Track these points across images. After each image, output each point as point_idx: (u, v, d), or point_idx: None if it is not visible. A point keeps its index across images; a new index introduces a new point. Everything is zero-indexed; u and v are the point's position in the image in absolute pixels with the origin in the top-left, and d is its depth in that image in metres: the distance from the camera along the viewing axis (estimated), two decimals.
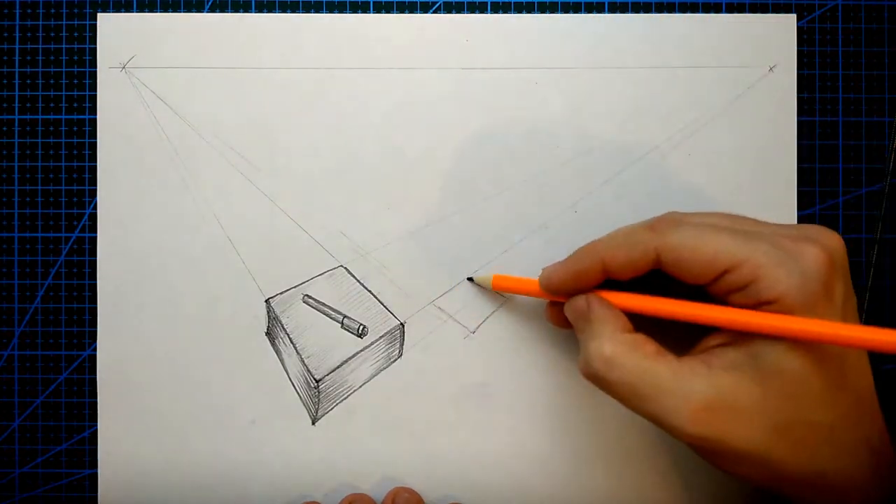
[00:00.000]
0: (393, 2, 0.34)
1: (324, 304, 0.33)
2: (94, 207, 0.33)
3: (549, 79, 0.33)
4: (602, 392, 0.33)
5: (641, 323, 0.27)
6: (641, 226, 0.26)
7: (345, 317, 0.33)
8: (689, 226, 0.25)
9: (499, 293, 0.33)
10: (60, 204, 0.34)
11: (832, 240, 0.25)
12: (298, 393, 0.33)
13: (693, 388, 0.24)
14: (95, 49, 0.33)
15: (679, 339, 0.27)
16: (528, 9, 0.34)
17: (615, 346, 0.26)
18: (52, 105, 0.34)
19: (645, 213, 0.33)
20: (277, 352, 0.33)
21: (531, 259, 0.33)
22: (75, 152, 0.33)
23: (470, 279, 0.33)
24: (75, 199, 0.34)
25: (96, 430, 0.33)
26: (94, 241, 0.33)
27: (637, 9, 0.34)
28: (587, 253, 0.27)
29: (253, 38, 0.33)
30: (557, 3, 0.34)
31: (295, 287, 0.33)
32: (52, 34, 0.34)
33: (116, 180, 0.33)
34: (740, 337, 0.25)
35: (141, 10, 0.34)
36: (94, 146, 0.33)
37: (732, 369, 0.24)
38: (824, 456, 0.25)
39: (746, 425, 0.24)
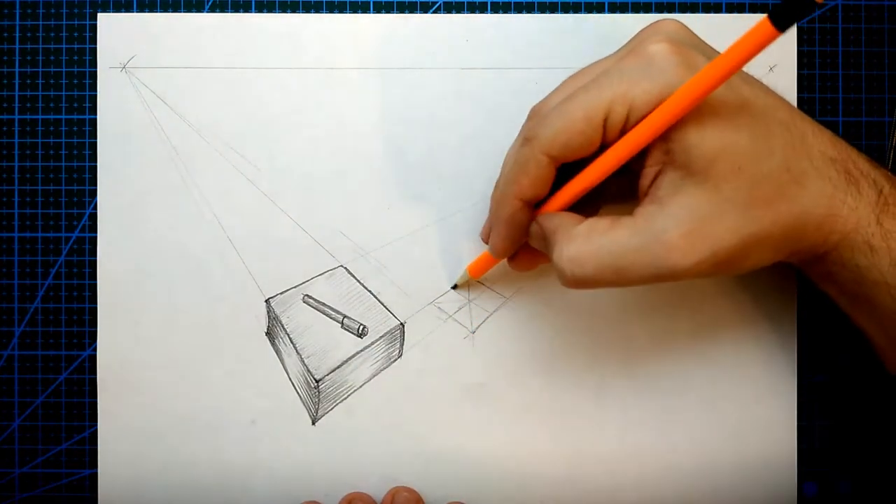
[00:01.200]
0: (393, 2, 0.34)
1: (324, 304, 0.33)
2: (94, 207, 0.33)
3: (549, 79, 0.33)
4: (602, 392, 0.34)
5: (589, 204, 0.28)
6: (518, 145, 0.27)
7: (345, 317, 0.33)
8: (550, 112, 0.26)
9: (490, 285, 0.33)
10: (60, 204, 0.34)
11: (663, 26, 0.26)
12: (298, 393, 0.33)
13: (659, 231, 0.24)
14: (95, 49, 0.33)
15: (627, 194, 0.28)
16: (528, 9, 0.34)
17: (573, 244, 0.25)
18: (52, 105, 0.34)
19: None
20: (277, 352, 0.33)
21: None
22: (75, 152, 0.33)
23: (454, 287, 0.33)
24: (75, 199, 0.34)
25: (96, 430, 0.33)
26: (94, 241, 0.33)
27: (637, 9, 0.34)
28: (501, 202, 0.28)
29: (253, 38, 0.33)
30: (557, 3, 0.34)
31: (295, 287, 0.33)
32: (52, 34, 0.34)
33: (116, 180, 0.33)
34: (664, 163, 0.25)
35: (141, 10, 0.34)
36: (94, 146, 0.33)
37: (677, 191, 0.25)
38: (796, 196, 0.25)
39: (723, 224, 0.24)
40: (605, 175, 0.26)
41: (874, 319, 0.27)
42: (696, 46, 0.25)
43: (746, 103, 0.25)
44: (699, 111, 0.24)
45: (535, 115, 0.27)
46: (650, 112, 0.24)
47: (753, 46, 0.22)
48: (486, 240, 0.31)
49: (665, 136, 0.24)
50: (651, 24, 0.26)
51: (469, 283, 0.33)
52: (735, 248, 0.25)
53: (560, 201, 0.27)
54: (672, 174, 0.25)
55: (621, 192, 0.28)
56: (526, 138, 0.26)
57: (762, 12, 0.34)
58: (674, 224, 0.24)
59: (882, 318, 0.27)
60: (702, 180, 0.24)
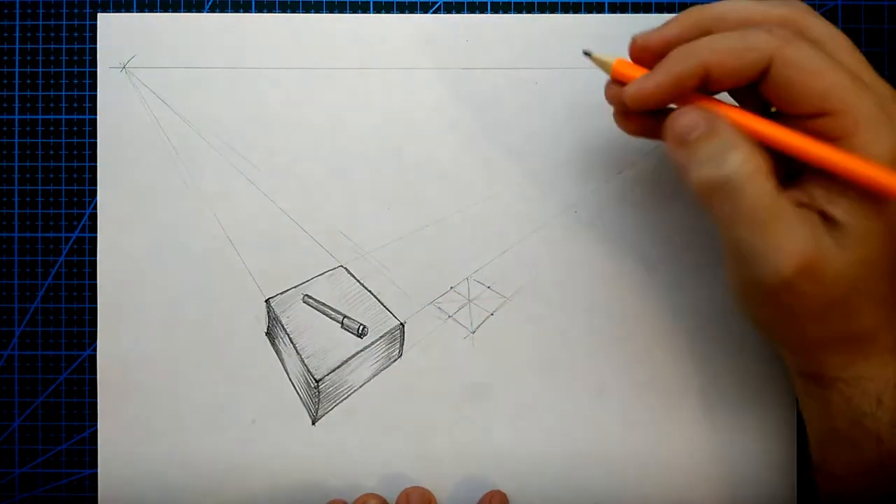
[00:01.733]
0: (393, 2, 0.34)
1: (324, 304, 0.33)
2: (94, 207, 0.33)
3: (549, 79, 0.33)
4: (601, 392, 0.34)
5: None
6: (758, 30, 0.24)
7: (345, 317, 0.33)
8: (810, 47, 0.23)
9: None
10: (60, 204, 0.34)
11: None
12: (298, 393, 0.33)
13: (802, 236, 0.23)
14: (95, 49, 0.33)
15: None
16: (528, 9, 0.34)
17: (755, 160, 0.23)
18: (52, 105, 0.34)
19: (646, 213, 0.33)
20: (277, 352, 0.33)
21: (531, 259, 0.33)
22: (75, 152, 0.33)
23: (587, 53, 0.28)
24: (75, 199, 0.34)
25: (96, 430, 0.33)
26: (94, 241, 0.33)
27: (637, 9, 0.34)
28: (687, 56, 0.24)
29: (253, 38, 0.33)
30: (557, 3, 0.34)
31: (295, 287, 0.33)
32: (52, 34, 0.34)
33: (116, 180, 0.33)
34: (844, 191, 0.24)
35: (141, 10, 0.34)
36: (94, 146, 0.33)
37: (833, 228, 0.23)
38: (870, 320, 0.25)
39: (838, 282, 0.23)
40: (799, 156, 0.24)
41: (842, 452, 0.27)
42: None
43: None
44: None
45: (794, 22, 0.24)
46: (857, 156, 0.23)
47: None
48: (636, 95, 0.26)
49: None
50: None
51: (599, 62, 0.27)
52: (822, 309, 0.24)
53: (747, 125, 0.24)
54: (838, 211, 0.24)
55: None
56: (772, 34, 0.23)
57: None
58: (811, 249, 0.23)
59: (851, 457, 0.26)
60: (844, 247, 0.23)
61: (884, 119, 0.23)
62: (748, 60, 0.23)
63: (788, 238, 0.23)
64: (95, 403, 0.33)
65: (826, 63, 0.23)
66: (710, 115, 0.24)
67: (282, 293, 0.33)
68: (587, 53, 0.27)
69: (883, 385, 0.25)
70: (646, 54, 0.26)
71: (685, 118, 0.25)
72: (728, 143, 0.23)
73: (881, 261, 0.24)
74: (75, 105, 0.33)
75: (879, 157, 0.23)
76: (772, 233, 0.23)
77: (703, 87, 0.25)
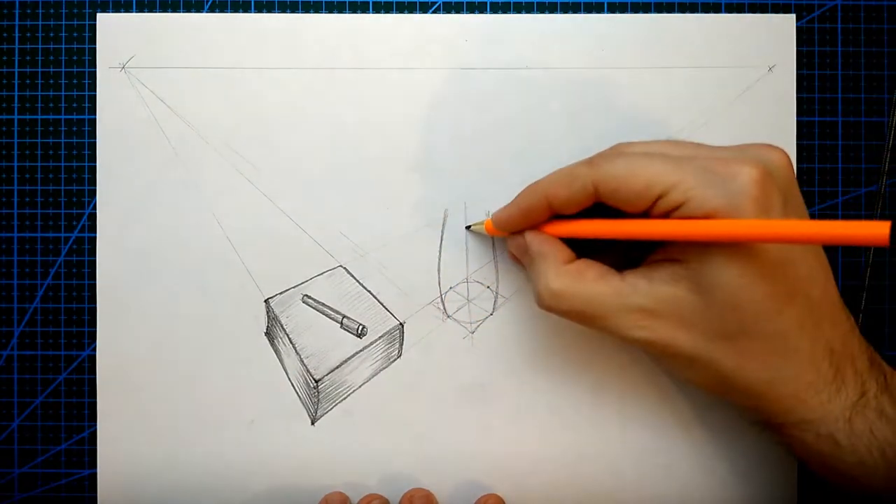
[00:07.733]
0: (393, 2, 0.34)
1: (323, 304, 0.33)
2: (94, 207, 0.33)
3: (549, 79, 0.33)
4: (600, 392, 0.34)
5: (587, 248, 0.29)
6: (582, 162, 0.28)
7: (344, 317, 0.33)
8: (624, 157, 0.26)
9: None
10: (60, 204, 0.34)
11: (772, 155, 0.26)
12: (298, 393, 0.33)
13: (634, 301, 0.26)
14: (95, 49, 0.33)
15: (627, 261, 0.29)
16: (528, 9, 0.34)
17: (559, 280, 0.27)
18: (52, 105, 0.34)
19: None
20: (277, 352, 0.33)
21: None
22: (75, 152, 0.33)
23: (468, 227, 0.33)
24: (75, 199, 0.34)
25: (96, 430, 0.33)
26: (94, 241, 0.33)
27: (637, 9, 0.34)
28: (532, 192, 0.28)
29: (253, 38, 0.33)
30: (557, 3, 0.34)
31: (294, 287, 0.33)
32: (52, 34, 0.34)
33: (116, 180, 0.33)
34: (682, 254, 0.26)
35: (141, 10, 0.34)
36: (94, 146, 0.33)
37: (672, 281, 0.26)
38: (774, 365, 0.26)
39: (689, 331, 0.26)
40: (628, 237, 0.27)
41: (813, 470, 0.29)
42: (785, 190, 0.25)
43: (787, 263, 0.25)
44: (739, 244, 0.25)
45: (614, 150, 0.28)
46: (701, 217, 0.24)
47: (840, 236, 0.22)
48: (496, 223, 0.31)
49: (696, 242, 0.25)
50: (765, 144, 0.27)
51: (478, 231, 0.33)
52: (685, 357, 0.27)
53: (568, 230, 0.28)
54: (677, 269, 0.26)
55: (609, 249, 0.30)
56: (591, 162, 0.27)
57: (761, 12, 0.34)
58: (648, 304, 0.26)
59: (824, 476, 0.28)
60: (697, 291, 0.25)
61: (710, 178, 0.25)
62: (576, 188, 0.27)
63: (617, 316, 0.27)
64: (95, 403, 0.33)
65: (637, 161, 0.26)
66: (525, 241, 0.29)
67: (281, 293, 0.33)
68: (468, 228, 0.33)
69: (833, 424, 0.26)
70: (500, 229, 0.31)
71: (512, 243, 0.31)
72: (539, 271, 0.28)
73: (759, 299, 0.25)
74: (75, 105, 0.33)
75: (718, 208, 0.24)
76: (600, 318, 0.27)
77: (556, 213, 0.28)
